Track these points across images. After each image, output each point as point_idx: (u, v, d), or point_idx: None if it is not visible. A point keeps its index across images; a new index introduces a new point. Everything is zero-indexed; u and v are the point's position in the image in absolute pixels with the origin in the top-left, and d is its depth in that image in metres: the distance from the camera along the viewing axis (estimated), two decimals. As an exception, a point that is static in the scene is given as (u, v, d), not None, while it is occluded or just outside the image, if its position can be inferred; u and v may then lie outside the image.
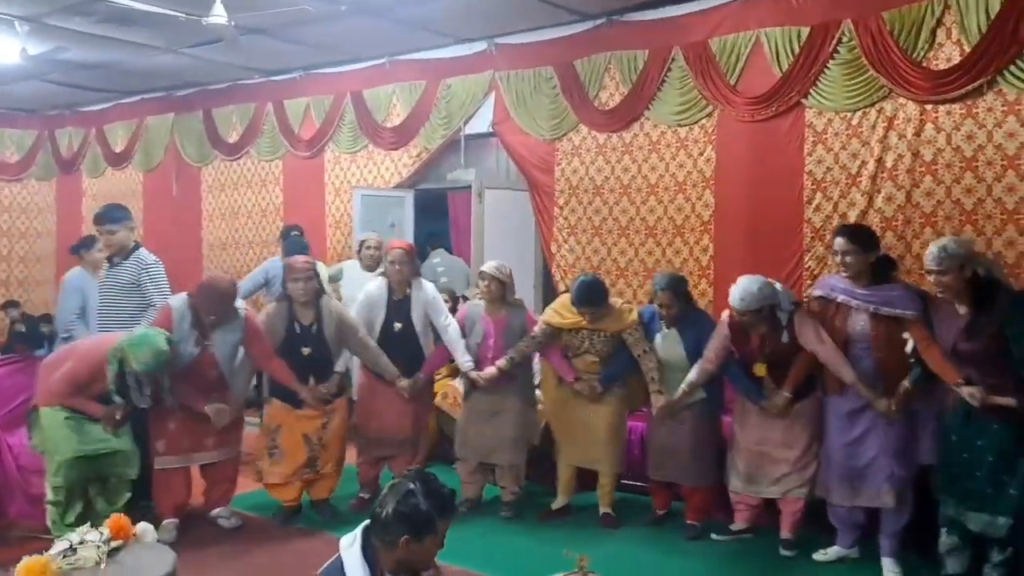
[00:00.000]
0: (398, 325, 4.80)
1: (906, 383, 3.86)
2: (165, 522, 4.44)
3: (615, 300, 4.83)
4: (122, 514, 2.52)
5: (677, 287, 4.45)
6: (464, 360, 4.78)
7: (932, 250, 3.66)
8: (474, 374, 4.73)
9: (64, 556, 2.15)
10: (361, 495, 5.10)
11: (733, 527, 4.56)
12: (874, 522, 4.14)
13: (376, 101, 7.55)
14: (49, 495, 4.18)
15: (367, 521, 2.38)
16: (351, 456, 5.12)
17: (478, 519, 4.84)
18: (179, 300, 4.45)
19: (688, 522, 4.63)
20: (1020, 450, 3.52)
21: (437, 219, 8.32)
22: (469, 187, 7.08)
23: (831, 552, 4.23)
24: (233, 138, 8.65)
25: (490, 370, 4.70)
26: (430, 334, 4.93)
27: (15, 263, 10.39)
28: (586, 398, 4.65)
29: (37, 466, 4.37)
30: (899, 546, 4.08)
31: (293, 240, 6.55)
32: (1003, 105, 4.80)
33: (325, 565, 2.39)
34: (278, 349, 4.64)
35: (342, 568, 2.30)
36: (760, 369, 4.23)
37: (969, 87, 4.83)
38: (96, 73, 8.25)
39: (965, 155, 4.92)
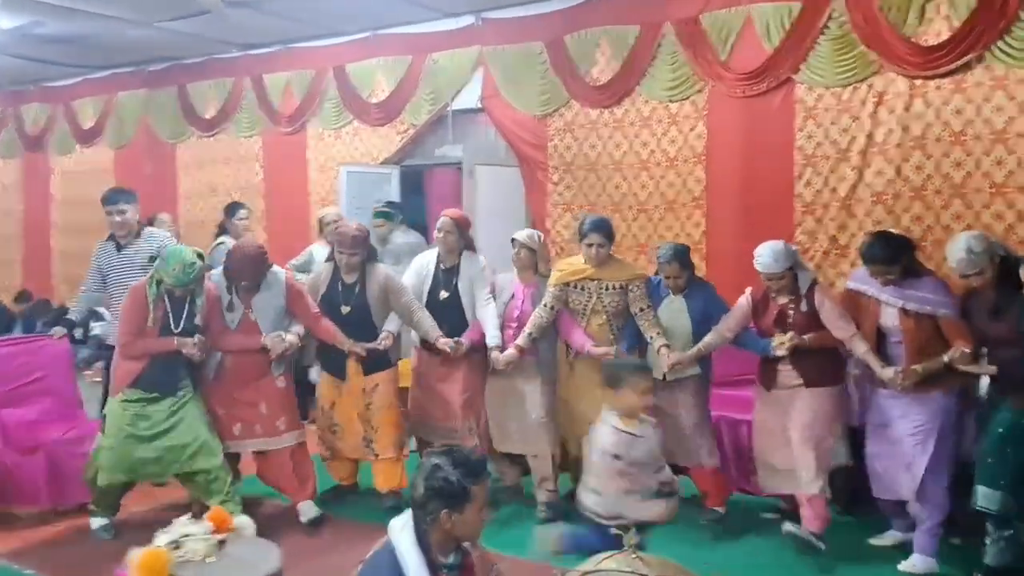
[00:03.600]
0: (444, 294, 4.71)
1: (922, 365, 3.73)
2: None
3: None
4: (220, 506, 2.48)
5: (683, 257, 4.40)
6: (493, 336, 4.59)
7: (959, 255, 3.59)
8: (495, 354, 4.51)
9: (172, 549, 2.13)
10: None
11: None
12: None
13: (360, 76, 7.44)
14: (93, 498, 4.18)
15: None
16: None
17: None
18: (217, 273, 4.44)
19: (708, 507, 4.41)
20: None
21: (414, 195, 8.21)
22: (457, 163, 7.04)
23: (887, 537, 4.12)
24: (209, 114, 8.46)
25: (509, 352, 4.48)
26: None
27: (-20, 243, 10.13)
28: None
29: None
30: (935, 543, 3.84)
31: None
32: (991, 80, 4.91)
33: (374, 549, 2.41)
34: (319, 305, 4.59)
35: (393, 551, 2.32)
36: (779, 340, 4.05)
37: (958, 62, 4.93)
38: (65, 47, 8.01)
39: (954, 129, 5.03)
